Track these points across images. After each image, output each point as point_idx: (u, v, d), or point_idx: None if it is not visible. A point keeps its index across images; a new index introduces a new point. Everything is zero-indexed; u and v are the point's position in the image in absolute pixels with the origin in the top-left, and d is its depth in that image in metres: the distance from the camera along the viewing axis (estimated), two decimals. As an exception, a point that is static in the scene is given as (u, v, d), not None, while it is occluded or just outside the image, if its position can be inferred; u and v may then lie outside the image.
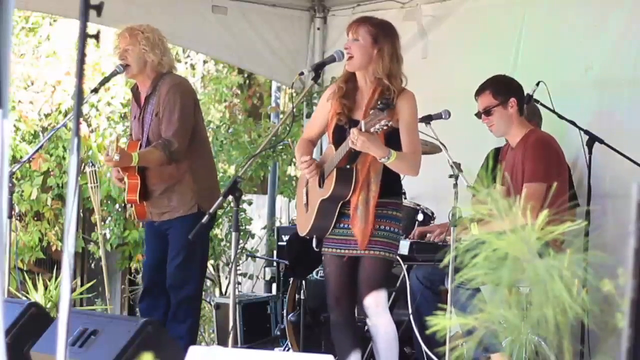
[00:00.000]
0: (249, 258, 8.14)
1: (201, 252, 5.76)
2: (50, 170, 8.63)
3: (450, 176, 4.86)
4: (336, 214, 4.80)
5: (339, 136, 4.78)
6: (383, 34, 4.77)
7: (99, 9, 2.53)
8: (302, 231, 5.01)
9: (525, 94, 5.48)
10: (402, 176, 4.92)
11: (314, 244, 5.04)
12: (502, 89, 5.37)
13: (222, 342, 6.87)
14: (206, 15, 7.41)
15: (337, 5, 7.79)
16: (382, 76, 4.73)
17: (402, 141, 4.70)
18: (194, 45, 8.29)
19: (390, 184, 4.79)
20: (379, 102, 4.51)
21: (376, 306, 4.77)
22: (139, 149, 5.59)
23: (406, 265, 5.54)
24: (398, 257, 5.18)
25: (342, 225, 4.82)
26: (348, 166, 4.74)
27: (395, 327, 4.85)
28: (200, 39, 7.59)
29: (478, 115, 5.42)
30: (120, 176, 5.68)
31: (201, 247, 5.73)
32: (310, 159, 4.86)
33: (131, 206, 5.99)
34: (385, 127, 4.44)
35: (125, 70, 5.61)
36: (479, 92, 5.42)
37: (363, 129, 4.47)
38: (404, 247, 5.33)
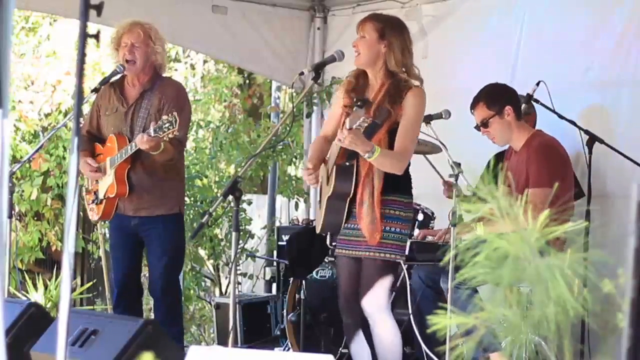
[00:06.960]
0: (249, 258, 8.14)
1: (182, 254, 5.83)
2: (50, 170, 8.62)
3: (450, 176, 4.85)
4: (345, 210, 4.74)
5: None
6: (390, 28, 4.75)
7: (99, 9, 2.53)
8: (317, 228, 4.97)
9: (522, 96, 5.47)
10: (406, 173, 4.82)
11: (327, 241, 5.03)
12: (495, 99, 5.34)
13: (222, 342, 6.86)
14: (206, 15, 7.41)
15: (337, 5, 7.79)
16: (395, 69, 4.70)
17: (396, 137, 4.67)
18: (194, 45, 8.29)
19: (395, 179, 4.68)
20: (355, 101, 4.55)
21: (376, 310, 4.73)
22: (128, 142, 5.42)
23: (406, 265, 5.54)
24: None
25: (352, 225, 4.76)
26: (347, 163, 4.73)
27: (397, 331, 4.78)
28: (200, 39, 7.59)
29: (477, 128, 5.42)
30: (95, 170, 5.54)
31: (182, 250, 5.80)
32: (313, 167, 4.82)
33: (99, 203, 5.61)
34: (365, 124, 4.46)
35: (128, 67, 5.51)
36: (473, 106, 5.41)
37: (348, 127, 4.47)
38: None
